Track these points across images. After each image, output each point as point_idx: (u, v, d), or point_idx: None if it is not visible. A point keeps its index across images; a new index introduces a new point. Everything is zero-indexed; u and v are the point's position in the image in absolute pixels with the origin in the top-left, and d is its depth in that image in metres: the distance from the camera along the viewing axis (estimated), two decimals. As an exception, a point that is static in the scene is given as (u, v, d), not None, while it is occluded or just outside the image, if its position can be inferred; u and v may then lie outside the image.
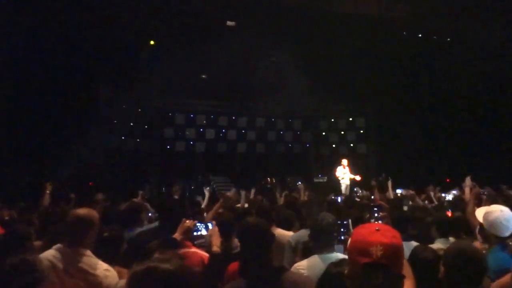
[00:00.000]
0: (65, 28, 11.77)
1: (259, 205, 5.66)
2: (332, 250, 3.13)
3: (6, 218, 5.43)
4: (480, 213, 3.21)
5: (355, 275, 1.49)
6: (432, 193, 8.35)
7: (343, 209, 5.49)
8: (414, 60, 14.90)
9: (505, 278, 2.49)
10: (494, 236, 2.93)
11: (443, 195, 8.56)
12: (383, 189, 8.92)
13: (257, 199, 7.79)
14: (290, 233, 4.31)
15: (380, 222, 4.21)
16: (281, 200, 7.60)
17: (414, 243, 3.38)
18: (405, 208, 6.24)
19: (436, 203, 7.49)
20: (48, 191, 5.73)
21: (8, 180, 10.91)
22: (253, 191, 8.44)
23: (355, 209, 5.77)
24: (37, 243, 3.48)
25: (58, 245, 2.75)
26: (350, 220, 4.04)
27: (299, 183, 10.80)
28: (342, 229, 3.79)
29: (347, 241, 2.54)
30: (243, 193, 7.26)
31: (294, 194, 8.43)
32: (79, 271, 2.65)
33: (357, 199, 8.45)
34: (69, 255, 2.67)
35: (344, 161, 14.05)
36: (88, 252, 2.74)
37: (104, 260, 2.80)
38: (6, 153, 11.56)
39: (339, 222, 3.85)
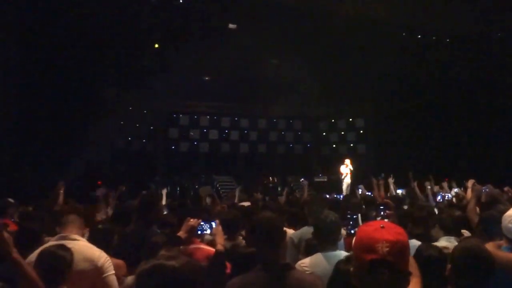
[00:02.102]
0: (71, 31, 11.88)
1: (265, 203, 5.71)
2: (335, 248, 3.12)
3: (17, 220, 5.51)
4: None
5: (361, 272, 1.49)
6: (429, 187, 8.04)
7: (345, 208, 5.54)
8: (413, 61, 14.93)
9: None
10: (509, 239, 2.80)
11: (439, 198, 8.40)
12: (384, 188, 8.95)
13: (259, 197, 7.91)
14: (292, 231, 4.25)
15: (385, 220, 4.22)
16: (282, 199, 7.70)
17: (414, 242, 3.34)
18: (405, 207, 6.27)
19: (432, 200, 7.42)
20: (62, 191, 5.87)
21: (17, 180, 11.04)
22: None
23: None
24: (48, 239, 3.62)
25: (60, 235, 3.16)
26: (359, 215, 4.06)
27: (303, 179, 10.74)
28: (351, 222, 3.83)
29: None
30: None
31: (297, 192, 8.51)
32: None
33: (358, 196, 8.51)
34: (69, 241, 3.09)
35: (347, 161, 14.17)
36: (83, 239, 3.19)
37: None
38: (16, 154, 11.70)
39: (348, 217, 3.90)
